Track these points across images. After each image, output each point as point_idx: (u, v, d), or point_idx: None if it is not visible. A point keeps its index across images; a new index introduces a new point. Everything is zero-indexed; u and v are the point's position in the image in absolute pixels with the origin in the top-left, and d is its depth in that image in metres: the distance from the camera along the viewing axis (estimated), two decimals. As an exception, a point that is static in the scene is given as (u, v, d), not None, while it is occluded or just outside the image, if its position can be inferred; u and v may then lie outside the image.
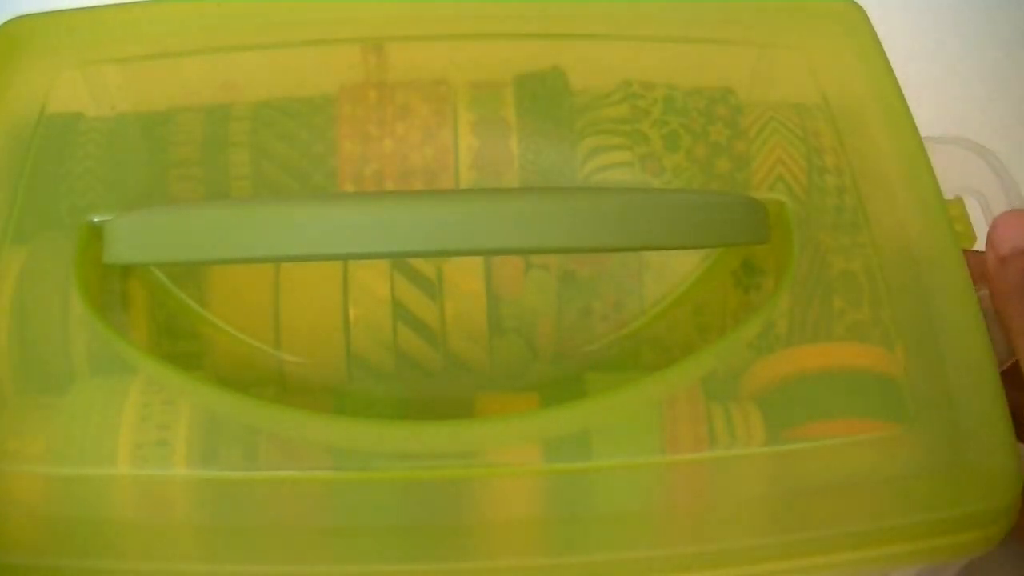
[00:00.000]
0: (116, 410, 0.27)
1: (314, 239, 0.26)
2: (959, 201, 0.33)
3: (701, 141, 0.32)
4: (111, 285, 0.30)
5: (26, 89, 0.32)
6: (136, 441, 0.26)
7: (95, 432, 0.26)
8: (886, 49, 0.34)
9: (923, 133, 0.32)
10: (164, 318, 0.30)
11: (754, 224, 0.29)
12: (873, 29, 0.34)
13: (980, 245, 0.31)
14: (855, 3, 0.35)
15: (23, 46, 0.33)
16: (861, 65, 0.34)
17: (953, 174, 0.33)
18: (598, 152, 0.32)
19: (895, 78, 0.33)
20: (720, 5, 0.35)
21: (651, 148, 0.32)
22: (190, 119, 0.32)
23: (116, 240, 0.29)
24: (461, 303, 0.30)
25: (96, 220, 0.30)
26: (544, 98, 0.33)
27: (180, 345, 0.30)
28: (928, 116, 0.33)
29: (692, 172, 0.32)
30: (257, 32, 0.34)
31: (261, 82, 0.33)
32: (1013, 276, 0.28)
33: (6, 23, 0.33)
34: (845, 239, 0.31)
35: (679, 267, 0.31)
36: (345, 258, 0.30)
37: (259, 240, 0.27)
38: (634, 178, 0.31)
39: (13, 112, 0.32)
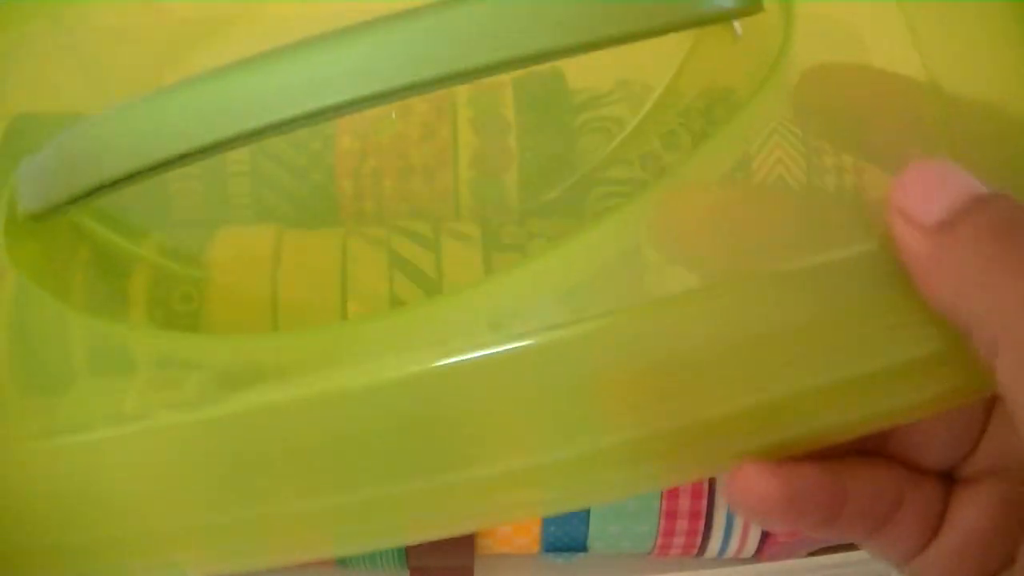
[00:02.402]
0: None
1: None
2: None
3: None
4: (110, 283, 0.29)
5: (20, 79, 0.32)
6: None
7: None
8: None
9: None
10: (162, 317, 0.30)
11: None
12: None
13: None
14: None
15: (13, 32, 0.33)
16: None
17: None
18: (596, 150, 0.32)
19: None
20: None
21: (650, 147, 0.32)
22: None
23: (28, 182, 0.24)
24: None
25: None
26: (543, 97, 0.33)
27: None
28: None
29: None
30: (253, 27, 0.34)
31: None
32: (966, 239, 0.19)
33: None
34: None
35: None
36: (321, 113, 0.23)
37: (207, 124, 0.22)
38: (633, 176, 0.32)
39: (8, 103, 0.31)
